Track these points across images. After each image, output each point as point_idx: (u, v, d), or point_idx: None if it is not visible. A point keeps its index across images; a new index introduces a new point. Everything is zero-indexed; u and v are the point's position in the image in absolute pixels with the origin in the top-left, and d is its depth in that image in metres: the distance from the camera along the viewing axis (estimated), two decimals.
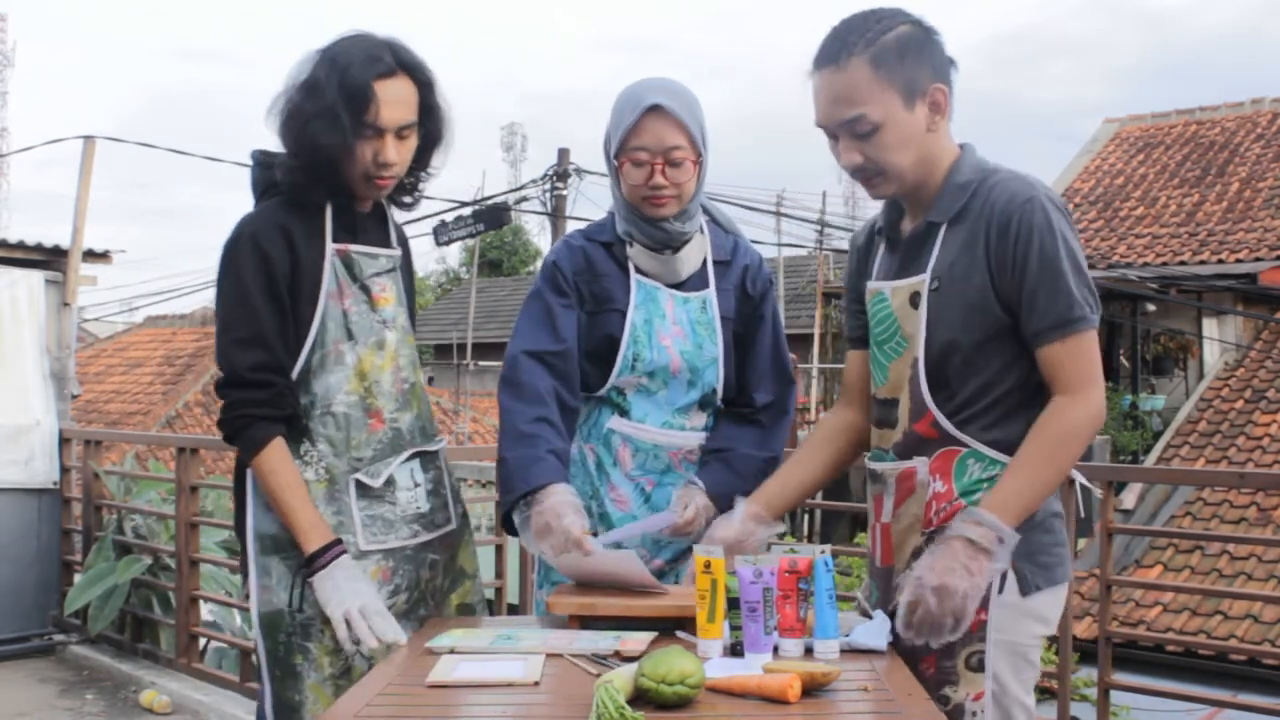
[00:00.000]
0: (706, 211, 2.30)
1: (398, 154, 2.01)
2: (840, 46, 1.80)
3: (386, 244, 2.16)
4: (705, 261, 2.24)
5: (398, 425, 2.09)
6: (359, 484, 2.04)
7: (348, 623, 1.91)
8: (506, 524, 2.11)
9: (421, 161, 2.13)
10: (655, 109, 2.08)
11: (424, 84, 2.04)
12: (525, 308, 2.21)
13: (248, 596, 2.06)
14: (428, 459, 2.15)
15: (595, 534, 2.12)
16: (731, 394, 2.25)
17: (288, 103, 1.99)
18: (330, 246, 2.04)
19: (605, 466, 2.20)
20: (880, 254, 1.99)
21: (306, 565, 1.95)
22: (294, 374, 2.01)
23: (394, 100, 1.97)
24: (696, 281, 2.23)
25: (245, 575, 2.06)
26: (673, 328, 2.19)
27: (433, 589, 2.15)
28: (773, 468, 2.21)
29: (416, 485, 2.11)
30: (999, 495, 1.74)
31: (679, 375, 2.19)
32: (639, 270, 2.20)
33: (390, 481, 2.07)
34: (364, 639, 1.89)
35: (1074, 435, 1.76)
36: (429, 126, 2.08)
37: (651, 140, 2.09)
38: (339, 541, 1.97)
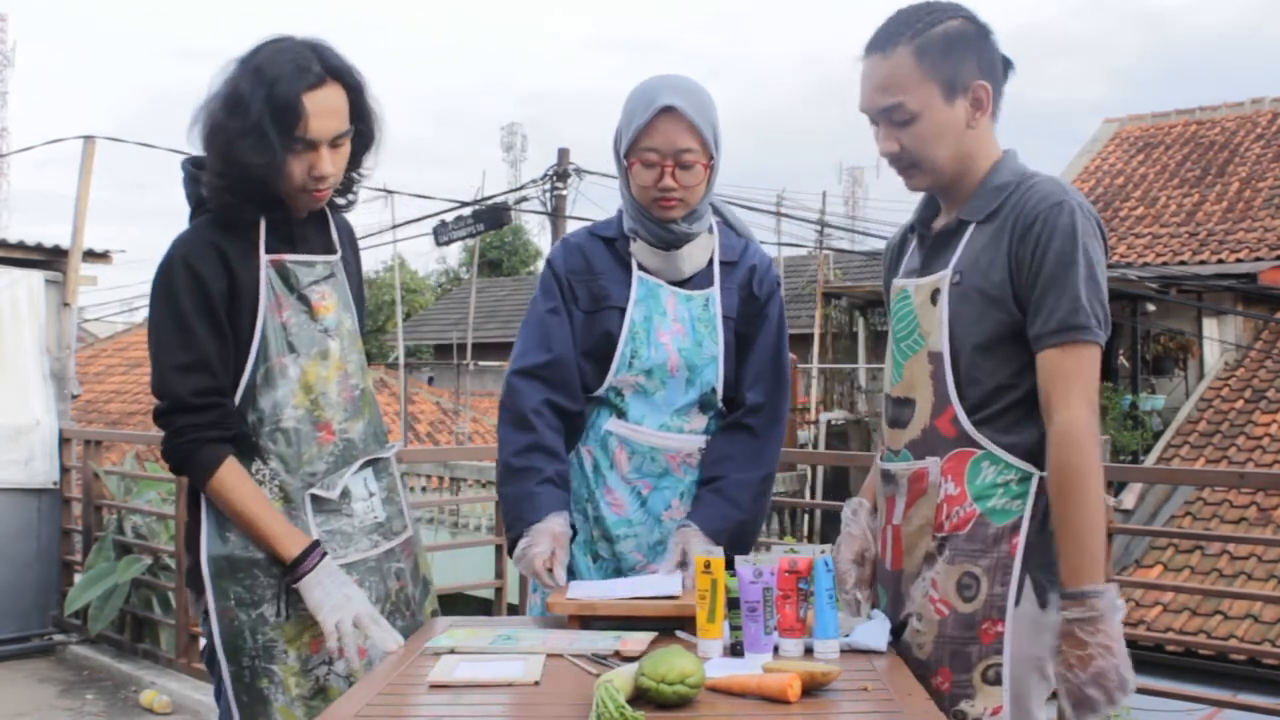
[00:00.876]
0: (719, 213, 2.29)
1: (333, 164, 1.94)
2: (889, 35, 1.83)
3: (328, 249, 2.08)
4: (712, 261, 2.23)
5: (348, 435, 2.04)
6: (314, 498, 1.98)
7: (338, 633, 1.86)
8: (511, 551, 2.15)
9: (354, 163, 2.06)
10: (668, 110, 2.06)
11: (354, 88, 1.96)
12: (523, 319, 2.24)
13: (204, 624, 1.98)
14: (380, 466, 2.10)
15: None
16: (730, 393, 2.23)
17: (210, 117, 1.89)
18: (264, 258, 1.97)
19: (601, 469, 2.19)
20: (910, 250, 1.99)
21: (290, 572, 1.89)
22: (240, 391, 1.95)
23: (325, 111, 1.89)
24: (701, 280, 2.22)
25: (200, 596, 1.98)
26: (673, 325, 2.18)
27: (405, 598, 2.09)
28: (768, 485, 2.20)
29: (371, 495, 2.07)
30: (1067, 566, 1.70)
31: (676, 374, 2.18)
32: (641, 267, 2.20)
33: (345, 493, 2.02)
34: (349, 658, 1.85)
35: (1085, 473, 1.70)
36: (361, 129, 2.00)
37: (663, 142, 2.07)
38: (318, 544, 1.92)
